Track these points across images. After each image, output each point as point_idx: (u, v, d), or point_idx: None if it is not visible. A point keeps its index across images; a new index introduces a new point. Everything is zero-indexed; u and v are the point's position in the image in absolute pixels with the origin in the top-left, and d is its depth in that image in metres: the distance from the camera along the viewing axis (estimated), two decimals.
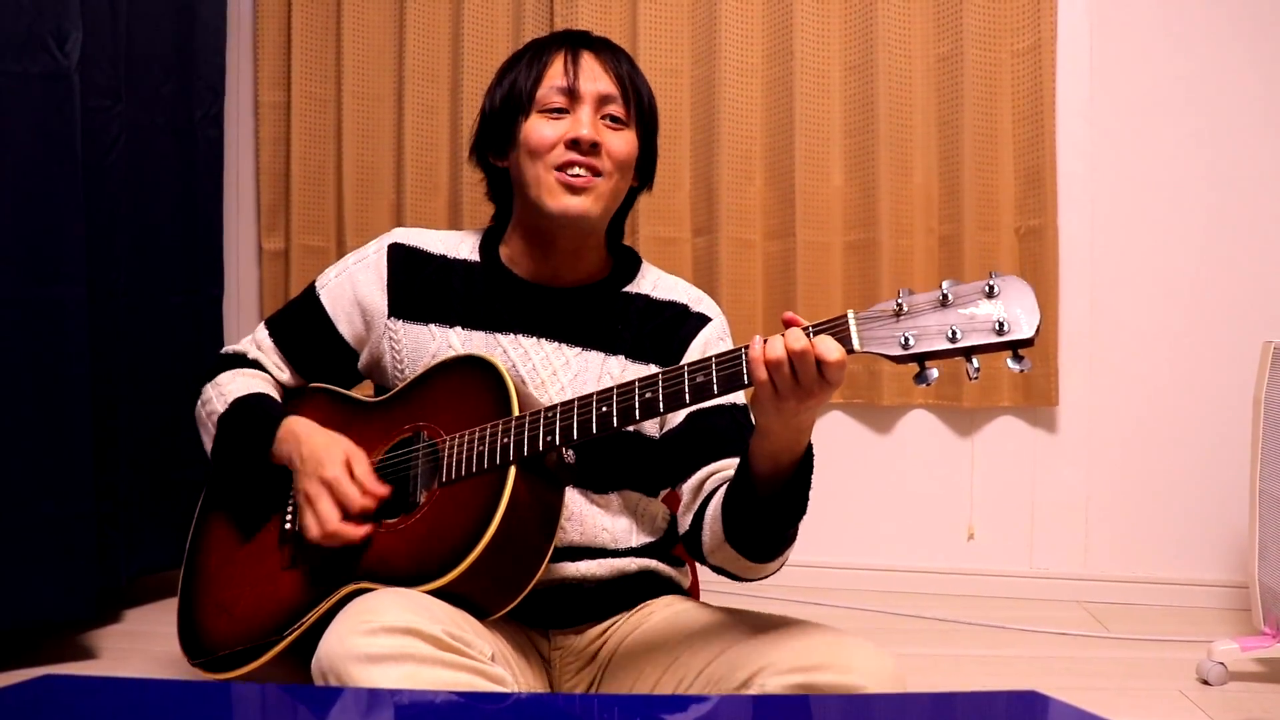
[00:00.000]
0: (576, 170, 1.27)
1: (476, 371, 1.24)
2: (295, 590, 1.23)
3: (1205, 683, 1.95)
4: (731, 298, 2.52)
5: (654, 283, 1.39)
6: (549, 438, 1.13)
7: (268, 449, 1.28)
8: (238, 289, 2.81)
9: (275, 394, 1.38)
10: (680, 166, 2.59)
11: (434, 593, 1.10)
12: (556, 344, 1.32)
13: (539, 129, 1.28)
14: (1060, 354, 2.49)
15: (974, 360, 0.97)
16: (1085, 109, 2.49)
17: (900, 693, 1.06)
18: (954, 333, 0.96)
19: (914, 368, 0.99)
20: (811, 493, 1.14)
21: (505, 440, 1.15)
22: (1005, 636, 2.28)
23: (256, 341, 1.43)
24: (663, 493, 1.36)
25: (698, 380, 1.07)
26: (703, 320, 1.37)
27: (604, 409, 1.12)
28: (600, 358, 1.32)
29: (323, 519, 1.18)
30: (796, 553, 1.20)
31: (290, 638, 1.20)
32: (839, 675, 1.05)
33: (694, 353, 1.34)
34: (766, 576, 1.23)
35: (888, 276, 2.49)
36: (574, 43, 1.33)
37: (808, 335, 1.00)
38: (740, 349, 1.05)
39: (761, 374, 1.02)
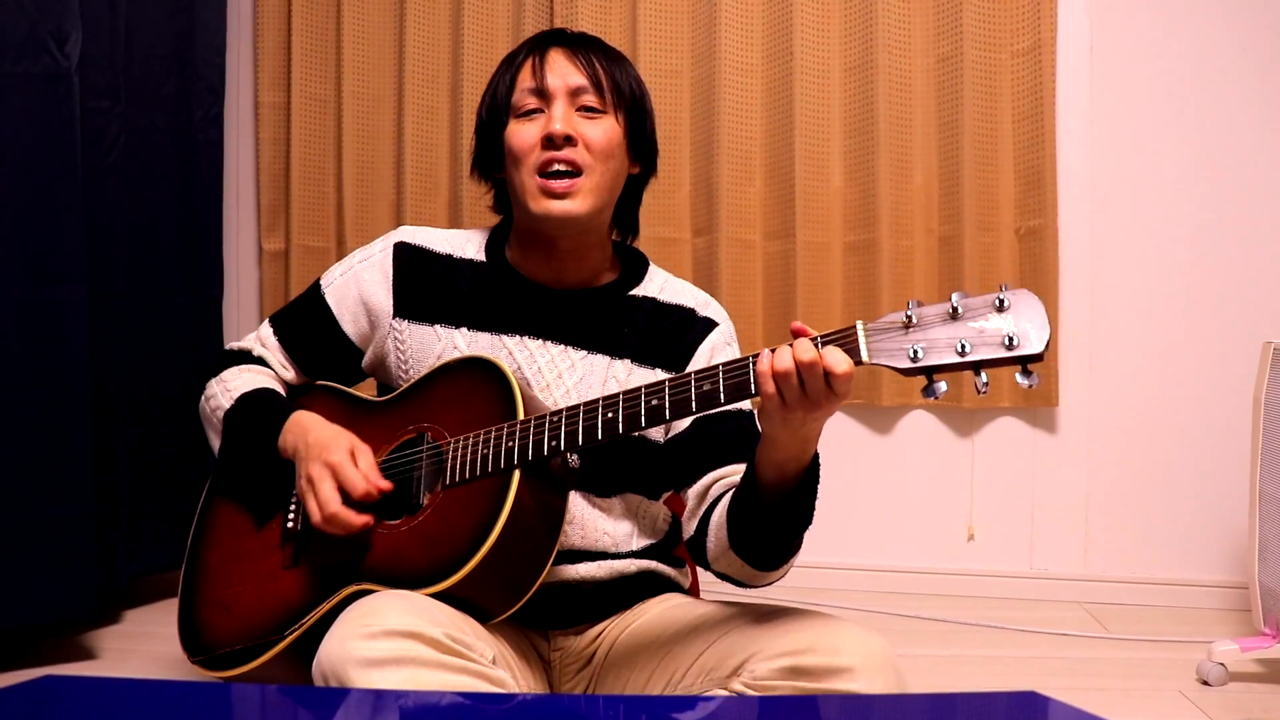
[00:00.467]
0: (556, 169, 1.26)
1: (482, 373, 1.24)
2: (297, 589, 1.23)
3: (1205, 683, 1.94)
4: (731, 298, 2.52)
5: (661, 285, 1.39)
6: (554, 442, 1.13)
7: (274, 442, 1.27)
8: (238, 289, 2.81)
9: (280, 390, 1.38)
10: (680, 167, 2.59)
11: (437, 596, 1.10)
12: (562, 347, 1.32)
13: (517, 133, 1.29)
14: (1060, 354, 2.49)
15: (982, 374, 0.97)
16: (1085, 109, 2.49)
17: (900, 693, 1.06)
18: (963, 346, 0.96)
19: (921, 380, 0.99)
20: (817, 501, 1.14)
21: (510, 444, 1.15)
22: (1005, 637, 2.28)
23: (261, 339, 1.42)
24: (664, 495, 1.36)
25: (704, 389, 1.06)
26: (710, 325, 1.37)
27: (610, 415, 1.12)
28: (606, 361, 1.32)
29: (324, 501, 1.18)
30: None
31: (291, 637, 1.20)
32: (827, 657, 1.05)
33: (700, 358, 1.34)
34: (771, 584, 1.23)
35: (888, 277, 2.49)
36: (542, 43, 1.33)
37: (816, 346, 1.00)
38: (748, 358, 1.05)
39: (770, 388, 1.01)
